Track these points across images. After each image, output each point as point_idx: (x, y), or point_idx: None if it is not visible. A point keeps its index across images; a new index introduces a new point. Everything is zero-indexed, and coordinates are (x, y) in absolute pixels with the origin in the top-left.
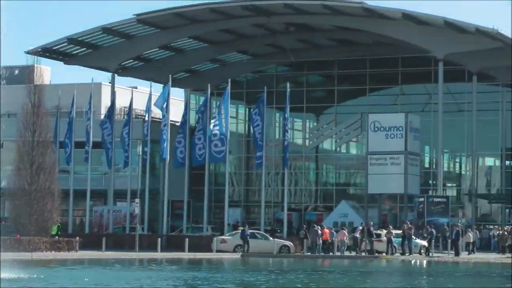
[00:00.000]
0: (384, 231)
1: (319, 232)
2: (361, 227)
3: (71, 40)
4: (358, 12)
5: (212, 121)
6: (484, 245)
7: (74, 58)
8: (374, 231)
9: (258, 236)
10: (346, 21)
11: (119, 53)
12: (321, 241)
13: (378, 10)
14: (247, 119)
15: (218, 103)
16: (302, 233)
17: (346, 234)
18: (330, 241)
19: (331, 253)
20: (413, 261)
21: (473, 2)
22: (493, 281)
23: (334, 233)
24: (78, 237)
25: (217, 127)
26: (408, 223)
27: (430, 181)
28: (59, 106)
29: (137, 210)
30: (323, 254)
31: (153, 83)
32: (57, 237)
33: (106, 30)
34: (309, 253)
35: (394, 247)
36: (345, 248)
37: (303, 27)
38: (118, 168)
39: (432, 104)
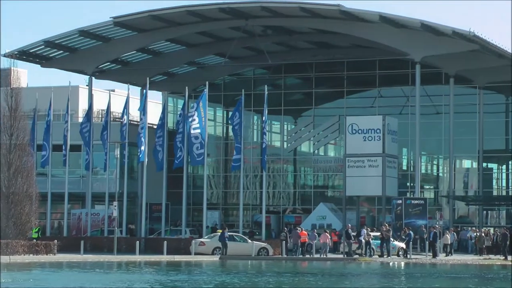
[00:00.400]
0: None
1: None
2: (365, 230)
3: (48, 43)
4: (335, 14)
5: (193, 123)
6: (462, 247)
7: (51, 61)
8: (352, 233)
9: (237, 238)
10: (324, 24)
11: (96, 56)
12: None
13: (355, 13)
14: (225, 122)
15: (195, 105)
16: (284, 235)
17: (329, 236)
18: (312, 243)
19: (309, 255)
20: (391, 263)
21: (450, 2)
22: (471, 282)
23: (316, 235)
24: (56, 240)
25: (198, 130)
26: (387, 225)
27: (408, 183)
28: (37, 109)
29: (115, 213)
30: (301, 256)
31: (130, 86)
32: (35, 240)
33: (83, 33)
34: (293, 255)
35: (372, 249)
36: (327, 250)
37: (280, 29)
38: (96, 171)
39: (409, 107)
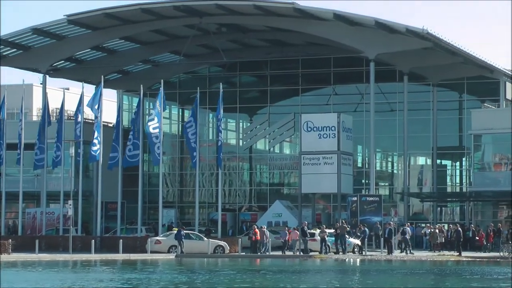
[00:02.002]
0: (318, 230)
1: (267, 232)
2: (408, 227)
3: (0, 41)
4: (289, 12)
5: (151, 123)
6: (418, 243)
7: (5, 59)
8: (308, 231)
9: (193, 236)
10: (278, 22)
11: (50, 54)
12: (268, 241)
13: (309, 11)
14: (180, 120)
15: (151, 104)
16: (252, 233)
17: (299, 233)
18: (279, 241)
19: (267, 253)
20: (346, 260)
21: (404, 2)
22: (426, 278)
23: (287, 233)
24: (10, 240)
25: (157, 129)
26: (344, 221)
27: (363, 180)
28: None
29: (70, 212)
30: (257, 253)
31: (85, 84)
32: None
33: (37, 31)
34: (263, 253)
35: (328, 246)
36: (297, 247)
37: (235, 27)
38: (50, 170)
39: (364, 104)
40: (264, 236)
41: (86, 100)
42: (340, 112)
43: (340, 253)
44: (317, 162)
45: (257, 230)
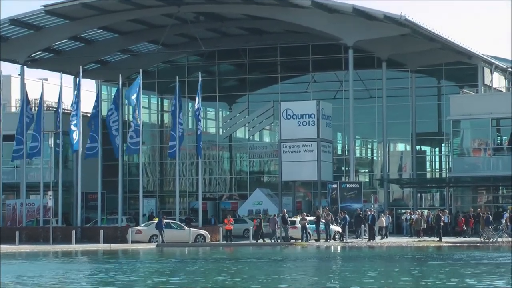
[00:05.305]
0: (299, 218)
1: (278, 220)
2: (507, 215)
3: None
4: (267, 0)
5: (134, 113)
6: (400, 229)
7: None
8: (289, 218)
9: (174, 226)
10: (256, 10)
11: (28, 45)
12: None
13: None
14: (159, 109)
15: (134, 94)
16: (258, 222)
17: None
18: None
19: (278, 241)
20: (327, 247)
21: None
22: (405, 263)
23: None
24: None
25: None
26: (327, 209)
27: (343, 168)
28: None
29: (50, 203)
30: (228, 242)
31: (63, 74)
32: None
33: (14, 21)
34: (272, 241)
35: (309, 233)
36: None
37: (213, 16)
38: (30, 161)
39: (343, 91)
40: (276, 225)
41: (65, 90)
42: (319, 100)
43: (322, 240)
44: (297, 149)
45: (226, 220)
